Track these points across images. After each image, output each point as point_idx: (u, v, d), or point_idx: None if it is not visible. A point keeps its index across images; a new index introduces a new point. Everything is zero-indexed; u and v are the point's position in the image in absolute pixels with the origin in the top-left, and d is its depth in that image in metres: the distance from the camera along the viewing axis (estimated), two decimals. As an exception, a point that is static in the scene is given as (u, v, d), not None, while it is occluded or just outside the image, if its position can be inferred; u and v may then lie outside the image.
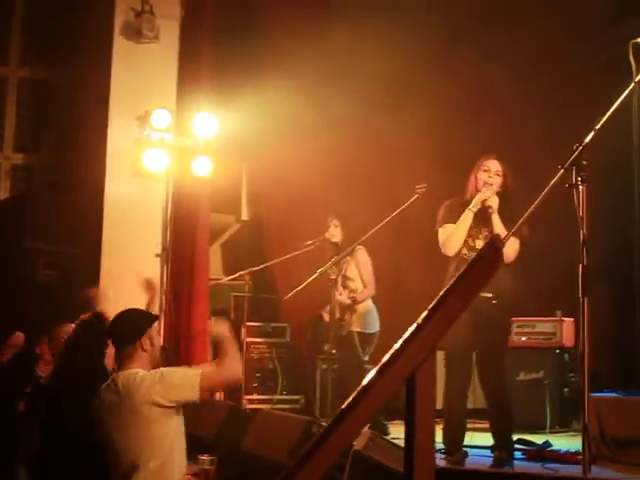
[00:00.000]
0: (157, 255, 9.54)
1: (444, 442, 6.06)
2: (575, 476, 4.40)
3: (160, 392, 4.38)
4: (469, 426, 6.50)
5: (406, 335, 2.14)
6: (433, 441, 2.20)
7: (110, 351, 5.21)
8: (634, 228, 8.53)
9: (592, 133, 4.33)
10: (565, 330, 8.82)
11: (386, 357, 2.14)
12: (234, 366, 4.61)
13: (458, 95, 10.02)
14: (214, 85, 10.03)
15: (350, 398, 2.14)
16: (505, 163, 6.30)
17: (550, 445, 6.54)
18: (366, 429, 5.02)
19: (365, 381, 2.15)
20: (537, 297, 8.93)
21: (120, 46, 9.66)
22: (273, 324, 10.10)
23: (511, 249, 5.91)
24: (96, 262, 9.36)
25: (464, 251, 6.19)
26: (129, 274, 9.25)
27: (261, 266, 9.29)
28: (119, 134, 9.55)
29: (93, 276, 9.27)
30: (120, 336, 4.65)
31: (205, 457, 6.07)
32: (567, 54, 9.70)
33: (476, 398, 7.17)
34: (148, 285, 5.96)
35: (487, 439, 6.35)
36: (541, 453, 6.33)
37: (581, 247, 4.24)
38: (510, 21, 9.92)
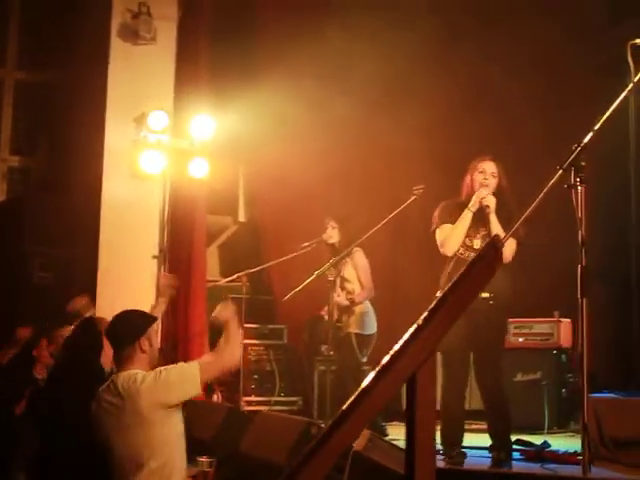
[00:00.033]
0: (154, 257, 9.55)
1: (442, 443, 6.05)
2: (575, 476, 4.40)
3: (162, 392, 4.37)
4: (466, 427, 6.50)
5: (406, 336, 2.14)
6: (434, 441, 2.20)
7: (108, 351, 5.21)
8: (631, 228, 8.53)
9: (591, 134, 4.33)
10: (563, 331, 8.82)
11: (386, 358, 2.14)
12: (232, 352, 4.61)
13: (457, 95, 10.02)
14: (211, 87, 10.04)
15: (351, 399, 2.13)
16: (500, 164, 6.30)
17: (549, 446, 6.53)
18: (365, 430, 5.01)
19: (366, 382, 2.14)
20: (535, 298, 8.93)
21: (117, 48, 9.66)
22: (270, 326, 10.10)
23: (508, 249, 5.91)
24: (93, 264, 9.36)
25: (461, 251, 6.20)
26: (126, 276, 9.29)
27: (258, 268, 9.28)
28: (116, 136, 9.55)
29: (90, 278, 9.28)
30: (119, 337, 4.65)
31: (204, 459, 6.06)
32: (566, 54, 9.71)
33: (472, 399, 7.18)
34: (165, 286, 5.90)
35: (485, 440, 6.36)
36: (540, 454, 6.33)
37: (580, 248, 4.24)
38: (509, 21, 9.92)
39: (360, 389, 2.13)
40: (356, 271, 8.16)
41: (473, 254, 6.08)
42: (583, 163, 4.29)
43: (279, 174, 10.10)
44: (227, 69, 10.10)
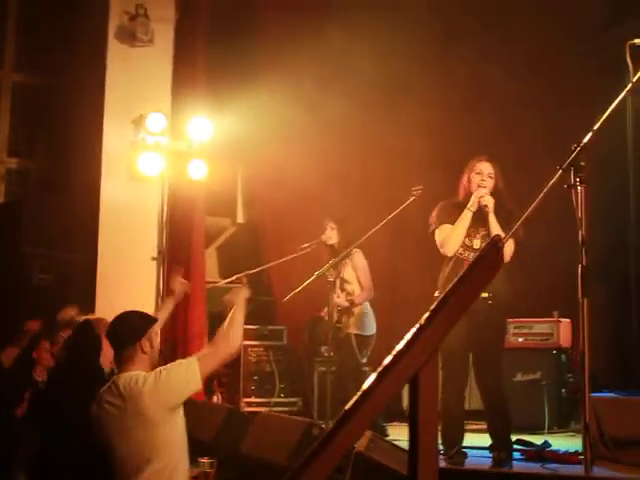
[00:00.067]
0: (153, 258, 9.56)
1: (443, 443, 6.05)
2: (577, 475, 4.40)
3: (164, 392, 4.37)
4: (466, 427, 6.50)
5: (409, 336, 2.14)
6: (437, 441, 2.20)
7: (107, 352, 5.20)
8: (630, 228, 8.53)
9: (590, 134, 4.34)
10: (562, 331, 8.82)
11: (389, 358, 2.14)
12: (229, 340, 4.57)
13: (456, 96, 10.02)
14: (209, 88, 10.05)
15: (354, 399, 2.13)
16: (497, 165, 6.31)
17: (549, 445, 6.53)
18: (367, 430, 5.01)
19: (368, 382, 2.14)
20: (534, 298, 8.95)
21: (114, 50, 9.67)
22: (270, 327, 10.10)
23: (507, 249, 5.92)
24: (92, 266, 9.37)
25: (461, 251, 6.20)
26: (125, 277, 9.30)
27: (258, 269, 9.27)
28: (114, 138, 9.56)
29: (89, 280, 9.28)
30: (120, 338, 4.63)
31: (205, 460, 6.07)
32: (564, 55, 9.71)
33: (471, 399, 7.18)
34: (180, 292, 5.88)
35: (484, 440, 6.36)
36: (540, 453, 6.33)
37: (580, 247, 4.24)
38: (508, 22, 9.92)
39: (362, 389, 2.13)
40: (355, 272, 8.17)
41: (473, 254, 6.09)
42: (583, 163, 4.30)
43: (277, 175, 10.11)
44: (225, 70, 10.10)
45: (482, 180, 6.23)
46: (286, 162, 9.83)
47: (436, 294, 6.21)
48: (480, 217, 6.20)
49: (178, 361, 4.55)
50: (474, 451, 6.41)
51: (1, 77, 10.97)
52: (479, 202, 6.16)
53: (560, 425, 8.51)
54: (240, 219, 11.21)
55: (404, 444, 5.18)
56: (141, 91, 9.61)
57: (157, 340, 4.70)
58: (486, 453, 6.19)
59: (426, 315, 2.17)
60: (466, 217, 6.18)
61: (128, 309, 4.89)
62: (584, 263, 4.23)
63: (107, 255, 9.40)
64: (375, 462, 4.43)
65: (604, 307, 8.74)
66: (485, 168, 6.27)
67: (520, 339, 8.92)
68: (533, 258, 7.82)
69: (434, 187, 7.23)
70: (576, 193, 4.31)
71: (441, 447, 6.02)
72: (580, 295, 4.22)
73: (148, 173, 9.48)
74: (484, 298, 5.81)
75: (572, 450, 6.22)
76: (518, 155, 9.09)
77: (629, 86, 4.50)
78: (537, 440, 6.81)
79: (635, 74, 4.51)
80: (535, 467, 5.92)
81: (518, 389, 8.37)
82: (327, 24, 9.61)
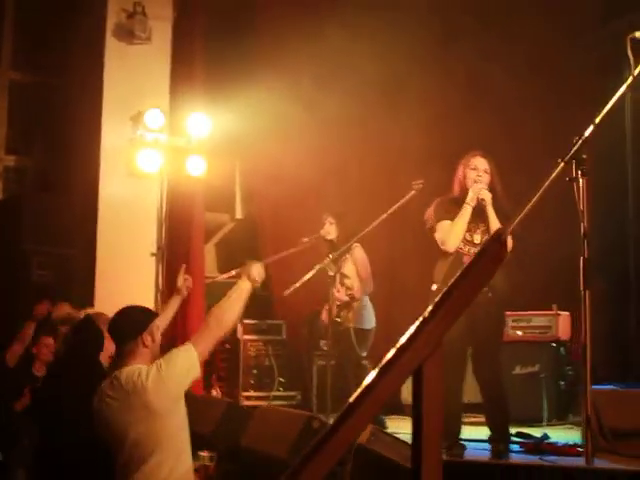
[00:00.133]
0: (152, 254, 9.59)
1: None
2: (578, 467, 4.43)
3: (168, 384, 4.37)
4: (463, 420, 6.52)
5: (412, 329, 2.16)
6: (441, 434, 2.22)
7: (109, 347, 5.22)
8: (629, 222, 8.57)
9: (592, 127, 4.35)
10: (561, 324, 8.84)
11: (392, 351, 2.16)
12: (224, 321, 4.56)
13: (454, 95, 10.02)
14: (207, 85, 10.06)
15: (357, 392, 2.15)
16: (492, 160, 6.32)
17: (548, 438, 6.55)
18: (368, 424, 5.03)
19: (371, 375, 2.16)
20: (533, 291, 8.96)
21: (112, 47, 9.68)
22: (269, 321, 10.13)
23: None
24: (91, 262, 9.38)
25: (461, 245, 6.22)
26: (124, 273, 9.31)
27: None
28: (113, 134, 9.58)
29: (89, 276, 9.30)
30: (121, 332, 4.63)
31: (205, 453, 6.11)
32: (563, 54, 9.70)
33: (468, 392, 7.20)
34: (187, 288, 5.87)
35: (480, 432, 6.40)
36: (539, 446, 6.34)
37: (582, 240, 4.26)
38: (506, 21, 9.91)
39: (366, 382, 2.15)
40: (356, 266, 8.18)
41: (474, 249, 6.12)
42: (584, 156, 4.32)
43: (276, 171, 10.12)
44: (223, 67, 10.11)
45: (478, 176, 6.25)
46: (284, 158, 9.83)
47: (433, 288, 6.23)
48: (479, 212, 6.22)
49: (175, 350, 4.52)
50: (472, 443, 6.44)
51: (-1, 74, 10.98)
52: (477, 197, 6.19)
53: (559, 418, 8.53)
54: (239, 215, 11.23)
55: (403, 437, 5.22)
56: (139, 88, 9.63)
57: (158, 334, 4.71)
58: (484, 445, 6.21)
59: (430, 308, 2.19)
60: (466, 212, 6.19)
61: (127, 304, 4.90)
62: (586, 255, 4.25)
63: (106, 251, 9.42)
64: (377, 454, 4.46)
65: (603, 300, 8.76)
66: (480, 164, 6.28)
67: (519, 332, 8.93)
68: (531, 252, 7.84)
69: (432, 184, 7.24)
70: (578, 186, 4.33)
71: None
72: (582, 287, 4.24)
73: (147, 169, 9.50)
74: (483, 291, 5.82)
75: (571, 442, 6.25)
76: (517, 154, 9.12)
77: (630, 79, 4.51)
78: (536, 433, 6.83)
79: (636, 67, 4.52)
80: (534, 459, 5.94)
81: (517, 382, 8.37)
82: (326, 23, 9.61)
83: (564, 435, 7.06)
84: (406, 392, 8.33)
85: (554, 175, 4.23)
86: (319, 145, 10.02)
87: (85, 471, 5.18)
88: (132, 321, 4.65)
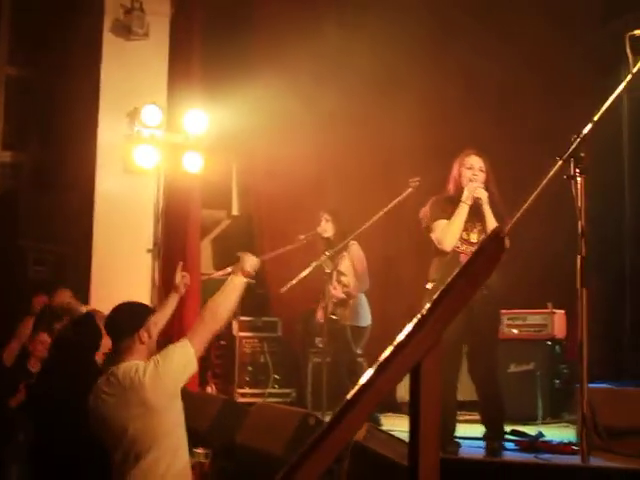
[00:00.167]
0: (149, 251, 9.58)
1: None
2: (574, 465, 4.44)
3: (165, 380, 4.38)
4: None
5: (410, 326, 2.17)
6: (438, 431, 2.22)
7: (107, 343, 5.21)
8: (625, 220, 8.58)
9: (590, 125, 4.36)
10: (556, 322, 8.85)
11: (391, 348, 2.16)
12: (219, 315, 4.57)
13: (451, 92, 10.04)
14: (204, 81, 10.05)
15: (355, 389, 2.15)
16: (487, 159, 6.33)
17: (543, 436, 6.57)
18: (364, 421, 5.03)
19: (370, 372, 2.17)
20: (528, 289, 8.98)
21: (110, 43, 9.67)
22: (264, 318, 10.13)
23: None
24: (87, 258, 9.38)
25: (458, 244, 6.22)
26: (121, 270, 9.31)
27: (258, 265, 9.28)
28: (109, 131, 9.57)
29: (85, 272, 9.29)
30: (118, 329, 4.63)
31: (200, 450, 6.10)
32: (560, 52, 9.72)
33: (462, 390, 7.21)
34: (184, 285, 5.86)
35: (474, 430, 6.42)
36: (534, 444, 6.35)
37: (579, 238, 4.26)
38: (503, 18, 9.92)
39: (364, 379, 2.15)
40: (353, 264, 8.19)
41: (471, 248, 6.12)
42: (582, 154, 4.32)
43: (273, 168, 10.13)
44: (220, 63, 10.10)
45: (474, 174, 6.25)
46: (281, 155, 9.84)
47: (428, 286, 6.23)
48: (475, 210, 6.22)
49: (171, 347, 4.53)
50: (466, 441, 6.45)
51: (-5, 70, 10.97)
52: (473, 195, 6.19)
53: (553, 416, 8.54)
54: (235, 211, 11.22)
55: (398, 434, 5.22)
56: (136, 84, 9.61)
57: (155, 331, 4.71)
58: (478, 443, 6.22)
59: (428, 305, 2.19)
60: (463, 211, 6.19)
61: (124, 300, 4.90)
62: (583, 253, 4.26)
63: (102, 247, 9.41)
64: (373, 452, 4.46)
65: (599, 298, 8.78)
66: (475, 162, 6.28)
67: (514, 330, 8.94)
68: (526, 250, 7.85)
69: (429, 182, 7.24)
70: (575, 184, 4.33)
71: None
72: (579, 285, 4.24)
73: (143, 166, 9.49)
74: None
75: (566, 441, 6.27)
76: (514, 152, 9.13)
77: (629, 77, 4.52)
78: (531, 431, 6.85)
79: (635, 65, 4.52)
80: (529, 457, 5.95)
81: (512, 380, 8.38)
82: (324, 20, 9.62)
83: (559, 433, 7.07)
84: (402, 390, 8.35)
85: (552, 173, 4.23)
86: (316, 142, 10.02)
87: (80, 468, 5.19)
88: (129, 317, 4.65)
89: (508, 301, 7.04)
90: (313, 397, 8.90)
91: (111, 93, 9.60)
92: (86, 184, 9.51)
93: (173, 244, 9.73)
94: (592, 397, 6.12)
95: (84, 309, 6.81)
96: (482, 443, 6.15)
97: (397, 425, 6.82)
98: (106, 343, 5.38)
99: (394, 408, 8.67)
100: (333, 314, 8.03)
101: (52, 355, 6.36)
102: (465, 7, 10.09)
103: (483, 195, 6.16)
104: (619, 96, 4.51)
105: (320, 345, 8.43)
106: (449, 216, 6.24)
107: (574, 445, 6.04)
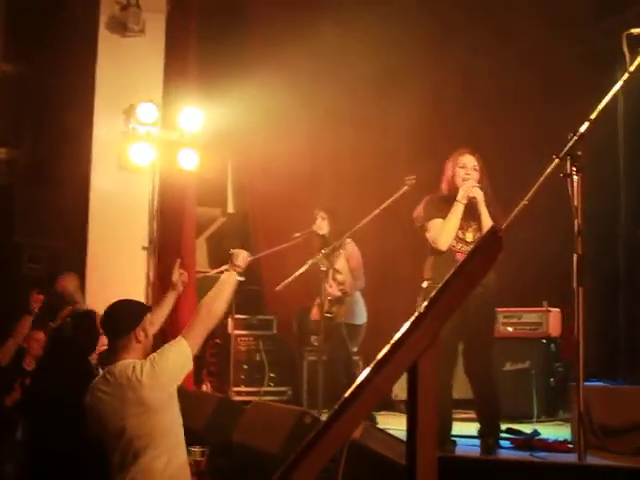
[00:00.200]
0: (144, 248, 9.56)
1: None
2: (570, 463, 4.44)
3: (163, 379, 4.37)
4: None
5: (407, 324, 2.16)
6: (435, 430, 2.22)
7: (104, 343, 5.21)
8: (620, 219, 8.58)
9: (587, 123, 4.36)
10: (551, 320, 8.87)
11: (388, 346, 2.16)
12: (214, 311, 4.59)
13: (447, 89, 10.05)
14: (200, 79, 10.03)
15: (353, 387, 2.15)
16: (480, 158, 6.32)
17: (538, 434, 6.58)
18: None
19: (367, 370, 2.16)
20: (523, 288, 8.98)
21: (106, 40, 9.64)
22: (259, 316, 10.14)
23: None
24: (82, 255, 9.36)
25: (453, 243, 6.22)
26: (116, 267, 9.29)
27: (250, 259, 9.27)
28: (105, 128, 9.55)
29: (79, 269, 9.27)
30: (114, 327, 4.61)
31: (196, 448, 6.09)
32: (554, 49, 9.72)
33: (457, 388, 7.22)
34: (182, 282, 5.84)
35: (468, 429, 6.42)
36: (529, 442, 6.37)
37: (576, 237, 4.26)
38: (498, 17, 9.92)
39: (361, 378, 2.15)
40: (348, 261, 8.18)
41: (466, 246, 6.12)
42: (579, 152, 4.32)
43: (268, 165, 10.14)
44: (216, 61, 10.10)
45: (467, 174, 6.25)
46: (277, 152, 9.84)
47: (424, 285, 6.23)
48: (470, 209, 6.22)
49: (167, 345, 4.52)
50: (462, 439, 6.46)
51: (-10, 66, 10.94)
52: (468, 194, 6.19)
53: (548, 414, 8.56)
54: (230, 209, 11.23)
55: (394, 433, 5.22)
56: (132, 81, 9.60)
57: (151, 329, 4.71)
58: (474, 441, 6.23)
59: (425, 304, 2.19)
60: (458, 210, 6.18)
61: (118, 299, 4.88)
62: (580, 252, 4.26)
63: (97, 245, 9.40)
64: (370, 451, 4.45)
65: (594, 297, 8.79)
66: (469, 161, 6.28)
67: (509, 328, 8.96)
68: (521, 249, 7.85)
69: (425, 180, 7.24)
70: (572, 182, 4.33)
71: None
72: (575, 284, 4.25)
73: (139, 163, 9.48)
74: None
75: (561, 439, 6.29)
76: (509, 149, 9.14)
77: (625, 75, 4.52)
78: (526, 429, 6.86)
79: (632, 64, 4.52)
80: (524, 456, 5.96)
81: (507, 378, 8.39)
82: (320, 18, 9.61)
83: (554, 431, 7.09)
84: (396, 388, 8.36)
85: (549, 171, 4.23)
86: (312, 140, 10.03)
87: (76, 465, 5.18)
88: (125, 316, 4.63)
89: (503, 299, 7.04)
90: (309, 395, 8.91)
91: (106, 90, 9.59)
92: (81, 181, 9.50)
93: (168, 242, 9.72)
94: (587, 395, 6.13)
95: (86, 306, 6.80)
96: (478, 441, 6.16)
97: (392, 423, 6.83)
98: (102, 342, 5.37)
99: (389, 406, 8.68)
100: (328, 312, 8.03)
101: (47, 352, 6.36)
102: (459, 4, 10.10)
103: (479, 195, 6.16)
104: (615, 94, 4.51)
105: (316, 343, 8.43)
106: (444, 215, 6.24)
107: (569, 443, 6.06)
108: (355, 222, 7.65)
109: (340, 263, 8.17)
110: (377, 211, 7.44)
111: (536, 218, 7.89)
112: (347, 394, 2.14)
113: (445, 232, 6.21)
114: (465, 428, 6.62)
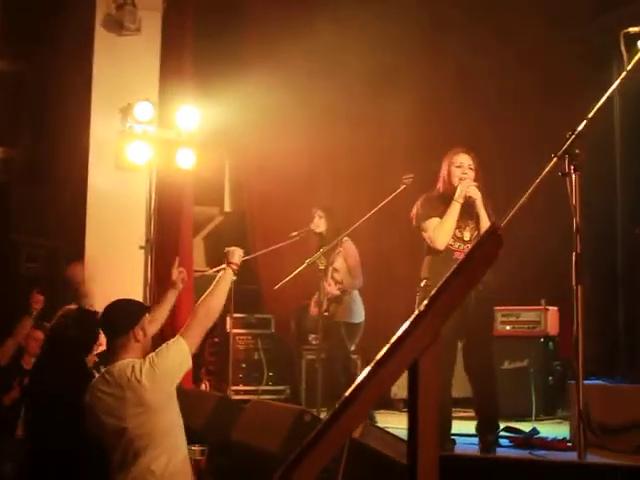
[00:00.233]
0: (141, 247, 9.55)
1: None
2: (570, 462, 4.44)
3: (162, 378, 4.36)
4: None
5: (408, 323, 2.16)
6: (436, 428, 2.21)
7: (103, 342, 5.19)
8: (617, 217, 8.59)
9: (585, 122, 4.36)
10: (550, 319, 8.87)
11: (388, 345, 2.15)
12: (211, 310, 4.61)
13: (443, 87, 10.05)
14: (197, 77, 10.02)
15: (354, 385, 2.14)
16: (475, 157, 6.32)
17: (537, 432, 6.58)
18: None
19: (367, 369, 2.16)
20: (522, 286, 8.99)
21: (102, 38, 9.62)
22: (257, 315, 10.13)
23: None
24: (80, 255, 9.34)
25: (451, 242, 6.22)
26: (113, 266, 9.27)
27: (246, 257, 9.27)
28: (102, 127, 9.53)
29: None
30: (113, 326, 4.60)
31: (196, 447, 6.08)
32: (551, 46, 9.73)
33: (457, 387, 7.21)
34: (182, 281, 5.82)
35: (466, 427, 6.43)
36: (528, 440, 6.38)
37: (574, 235, 4.26)
38: (496, 14, 9.92)
39: (362, 376, 2.14)
40: (346, 260, 8.17)
41: (464, 245, 6.12)
42: (577, 151, 4.32)
43: (265, 164, 10.13)
44: (213, 59, 10.08)
45: (464, 173, 6.25)
46: (274, 151, 9.84)
47: (422, 284, 6.23)
48: (467, 208, 6.22)
49: (166, 345, 4.51)
50: (461, 438, 6.46)
51: (-14, 65, 10.92)
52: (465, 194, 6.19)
53: (547, 412, 8.57)
54: (228, 208, 11.22)
55: (393, 431, 5.22)
56: (129, 80, 9.58)
57: (151, 328, 4.70)
58: (473, 440, 6.24)
59: (425, 302, 2.19)
60: (455, 209, 6.18)
61: (116, 298, 4.86)
62: (579, 250, 4.25)
63: (95, 244, 9.38)
64: (371, 449, 4.45)
65: (591, 295, 8.78)
66: (465, 160, 6.28)
67: (508, 327, 8.96)
68: (519, 247, 7.86)
69: (422, 178, 7.23)
70: (570, 181, 4.33)
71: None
72: (574, 282, 4.25)
73: (136, 162, 9.46)
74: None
75: (560, 437, 6.29)
76: (506, 147, 9.14)
77: (623, 74, 4.51)
78: (525, 427, 6.86)
79: (629, 62, 4.52)
80: (524, 454, 5.97)
81: (505, 377, 8.38)
82: (315, 16, 9.60)
83: (552, 430, 7.10)
84: (395, 387, 8.36)
85: (547, 170, 4.22)
86: (309, 138, 10.02)
87: (75, 465, 5.17)
88: (124, 315, 4.62)
89: (502, 297, 7.03)
90: (307, 394, 8.90)
91: (103, 89, 9.57)
92: (78, 180, 9.48)
93: (166, 240, 9.70)
94: (586, 394, 6.13)
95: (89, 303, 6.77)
96: (476, 439, 6.16)
97: (391, 422, 6.83)
98: (100, 342, 5.36)
99: (388, 405, 8.68)
100: (326, 311, 8.02)
101: (45, 351, 6.34)
102: (456, 2, 10.10)
103: (477, 194, 6.15)
104: (611, 93, 4.50)
105: (314, 342, 8.42)
106: (441, 214, 6.24)
107: (568, 441, 6.06)
108: (352, 220, 7.64)
109: (338, 262, 8.17)
110: (374, 210, 7.43)
111: (535, 217, 7.93)
112: (348, 393, 2.13)
113: (443, 231, 6.20)
114: (464, 426, 6.62)
